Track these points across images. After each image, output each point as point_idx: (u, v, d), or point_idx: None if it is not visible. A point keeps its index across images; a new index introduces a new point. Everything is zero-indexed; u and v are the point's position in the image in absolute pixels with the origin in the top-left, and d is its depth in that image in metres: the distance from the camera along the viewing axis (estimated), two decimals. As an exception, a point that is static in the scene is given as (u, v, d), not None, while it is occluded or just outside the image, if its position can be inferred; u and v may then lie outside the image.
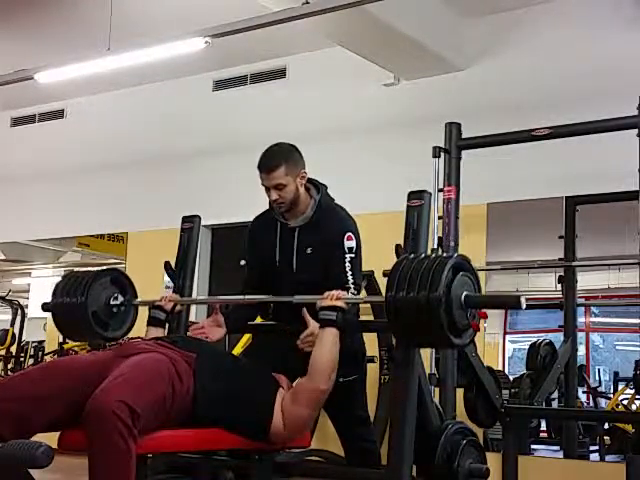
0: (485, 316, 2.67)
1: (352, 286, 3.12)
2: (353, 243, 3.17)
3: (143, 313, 3.40)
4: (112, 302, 3.32)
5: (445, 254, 2.74)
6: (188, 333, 3.36)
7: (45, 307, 3.39)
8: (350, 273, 3.13)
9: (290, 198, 3.20)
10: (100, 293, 3.29)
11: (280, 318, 3.40)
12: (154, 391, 2.52)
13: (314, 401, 2.79)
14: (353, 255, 3.16)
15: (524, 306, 2.51)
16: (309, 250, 3.22)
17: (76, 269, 3.49)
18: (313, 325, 2.93)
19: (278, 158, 3.17)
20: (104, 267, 3.47)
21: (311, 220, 3.26)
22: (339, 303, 2.84)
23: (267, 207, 3.40)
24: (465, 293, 2.55)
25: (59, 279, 3.43)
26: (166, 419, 2.57)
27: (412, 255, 2.70)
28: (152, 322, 3.27)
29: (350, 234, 3.19)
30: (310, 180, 3.30)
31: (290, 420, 2.76)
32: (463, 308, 2.54)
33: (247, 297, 3.30)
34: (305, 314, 2.95)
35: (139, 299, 3.43)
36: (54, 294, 3.34)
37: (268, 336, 3.45)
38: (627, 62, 5.10)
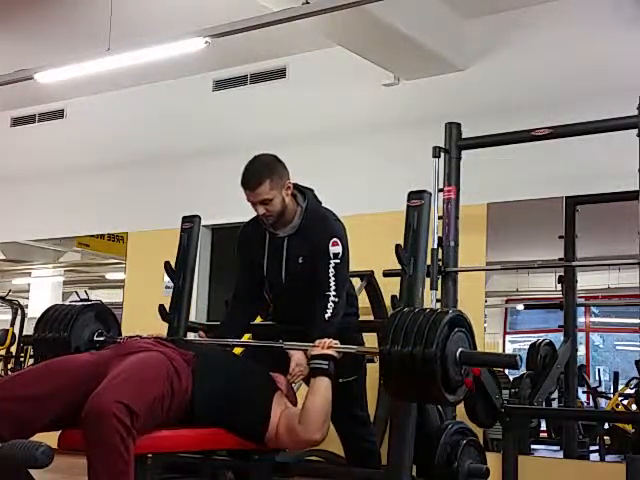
0: (479, 373, 2.66)
1: (332, 293, 3.09)
2: (339, 249, 3.15)
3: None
4: (96, 338, 3.28)
5: (441, 309, 2.74)
6: None
7: (26, 340, 3.33)
8: (333, 280, 3.11)
9: (277, 210, 3.18)
10: (84, 329, 3.25)
11: (279, 318, 3.41)
12: (152, 390, 2.51)
13: (307, 445, 2.83)
14: (338, 261, 3.13)
15: (520, 366, 2.48)
16: (300, 260, 3.20)
17: (71, 299, 3.43)
18: (296, 356, 2.95)
19: (261, 174, 3.14)
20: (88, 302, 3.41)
21: (299, 228, 3.23)
22: (330, 351, 2.82)
23: (248, 222, 3.41)
24: (460, 350, 2.54)
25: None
26: (165, 417, 2.57)
27: (407, 308, 2.69)
28: None
29: (336, 239, 3.16)
30: (296, 186, 3.27)
31: (282, 443, 2.79)
32: (458, 365, 2.53)
33: (235, 341, 3.29)
34: (289, 352, 2.97)
35: (123, 335, 3.39)
36: (36, 327, 3.29)
37: (267, 336, 3.44)
38: (627, 62, 5.10)
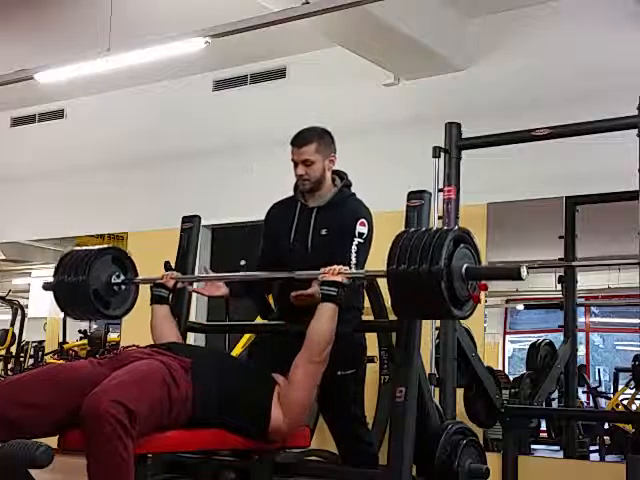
0: (485, 288, 2.68)
1: (354, 267, 3.10)
2: (365, 229, 3.20)
3: (144, 291, 3.39)
4: (113, 280, 3.33)
5: (446, 227, 2.76)
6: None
7: (46, 286, 3.39)
8: (355, 255, 3.14)
9: (316, 177, 3.26)
10: (101, 271, 3.30)
11: (283, 318, 3.38)
12: (150, 394, 2.50)
13: (308, 375, 2.79)
14: (362, 240, 3.18)
15: (524, 276, 2.52)
16: (324, 231, 3.24)
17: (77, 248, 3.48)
18: (314, 290, 2.95)
19: (311, 135, 3.28)
20: (105, 245, 3.47)
21: (329, 203, 3.30)
22: (340, 278, 2.84)
23: (280, 200, 3.45)
24: (465, 265, 2.57)
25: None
26: (165, 424, 2.56)
27: (412, 229, 2.73)
28: (156, 300, 3.25)
29: (363, 220, 3.23)
30: (338, 172, 3.37)
31: (288, 405, 2.76)
32: (464, 280, 2.56)
33: (248, 273, 3.33)
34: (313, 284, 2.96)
35: (140, 277, 3.43)
36: (56, 272, 3.34)
37: (271, 336, 3.43)
38: (627, 62, 5.10)
